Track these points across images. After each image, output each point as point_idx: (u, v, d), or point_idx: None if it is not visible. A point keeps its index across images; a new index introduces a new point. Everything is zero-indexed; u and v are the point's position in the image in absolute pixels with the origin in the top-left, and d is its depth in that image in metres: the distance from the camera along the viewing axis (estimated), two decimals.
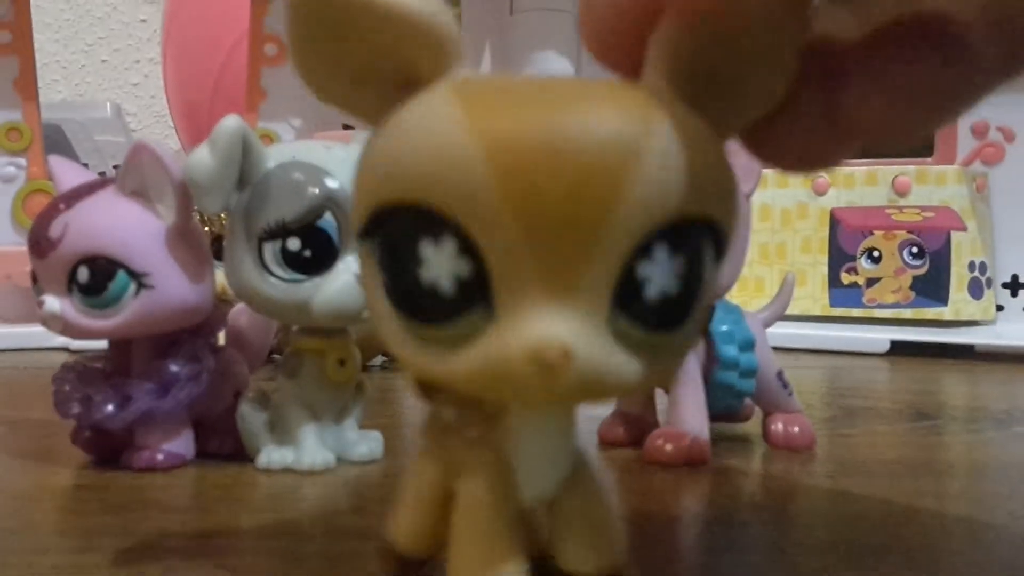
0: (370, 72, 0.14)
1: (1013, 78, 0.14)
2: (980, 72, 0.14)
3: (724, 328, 0.32)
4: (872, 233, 0.69)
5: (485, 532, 0.16)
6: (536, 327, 0.13)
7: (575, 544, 0.17)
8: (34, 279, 0.29)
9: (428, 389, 0.18)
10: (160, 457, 0.29)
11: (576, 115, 0.12)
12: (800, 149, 0.15)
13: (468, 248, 0.13)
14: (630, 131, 0.12)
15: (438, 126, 0.13)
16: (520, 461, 0.16)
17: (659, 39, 0.14)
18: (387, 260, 0.14)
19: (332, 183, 0.27)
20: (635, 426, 0.33)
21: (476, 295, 0.13)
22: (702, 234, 0.13)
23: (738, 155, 0.15)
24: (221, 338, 0.32)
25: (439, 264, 0.13)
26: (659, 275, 0.13)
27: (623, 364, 0.13)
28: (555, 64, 0.68)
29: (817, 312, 0.70)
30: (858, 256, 0.70)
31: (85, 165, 0.39)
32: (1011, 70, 0.14)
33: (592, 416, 0.35)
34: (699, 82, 0.14)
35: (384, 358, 0.57)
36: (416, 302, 0.14)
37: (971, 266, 0.67)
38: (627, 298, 0.13)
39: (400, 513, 0.19)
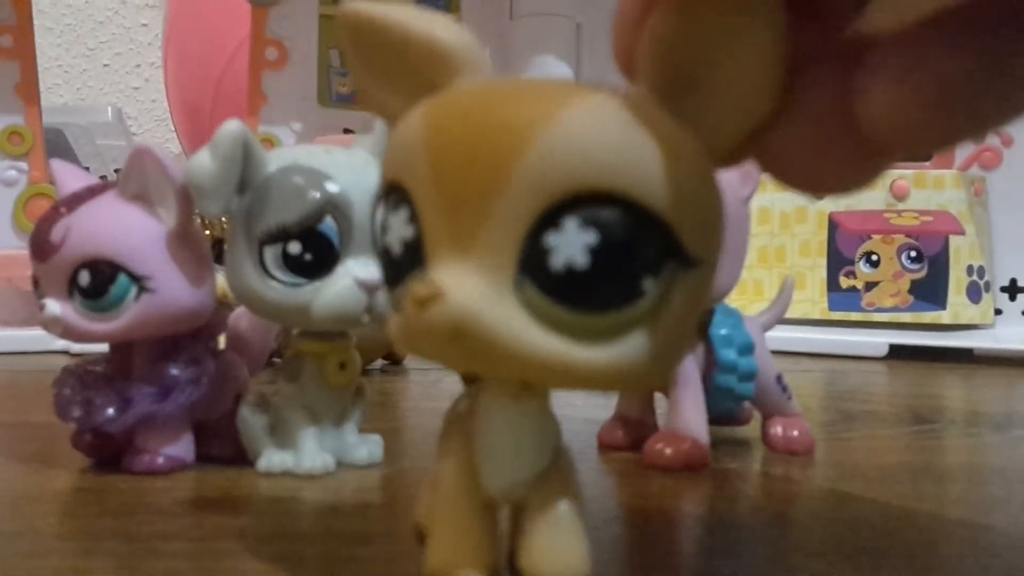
0: (408, 86, 0.16)
1: None
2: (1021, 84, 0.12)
3: (723, 332, 0.32)
4: (870, 237, 0.69)
5: (451, 519, 0.17)
6: (427, 276, 0.14)
7: (532, 546, 0.16)
8: (35, 283, 0.29)
9: (467, 378, 0.18)
10: (160, 461, 0.29)
11: (493, 100, 0.14)
12: (816, 165, 0.14)
13: (413, 215, 0.15)
14: (532, 109, 0.14)
15: (408, 123, 0.15)
16: (482, 452, 0.16)
17: (641, 46, 0.14)
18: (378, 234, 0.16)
19: (333, 187, 0.27)
20: (634, 429, 0.33)
21: (415, 256, 0.15)
22: (626, 215, 0.13)
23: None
24: (221, 341, 0.32)
25: (394, 229, 0.15)
26: (565, 245, 0.13)
27: (518, 325, 0.14)
28: (554, 68, 0.68)
29: (816, 316, 0.70)
30: (856, 260, 0.70)
31: (86, 169, 0.39)
32: None
33: (592, 420, 0.35)
34: (680, 84, 0.14)
35: (384, 362, 0.57)
36: (383, 267, 0.16)
37: (969, 270, 0.67)
38: (534, 266, 0.14)
39: (422, 494, 0.19)
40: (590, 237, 0.13)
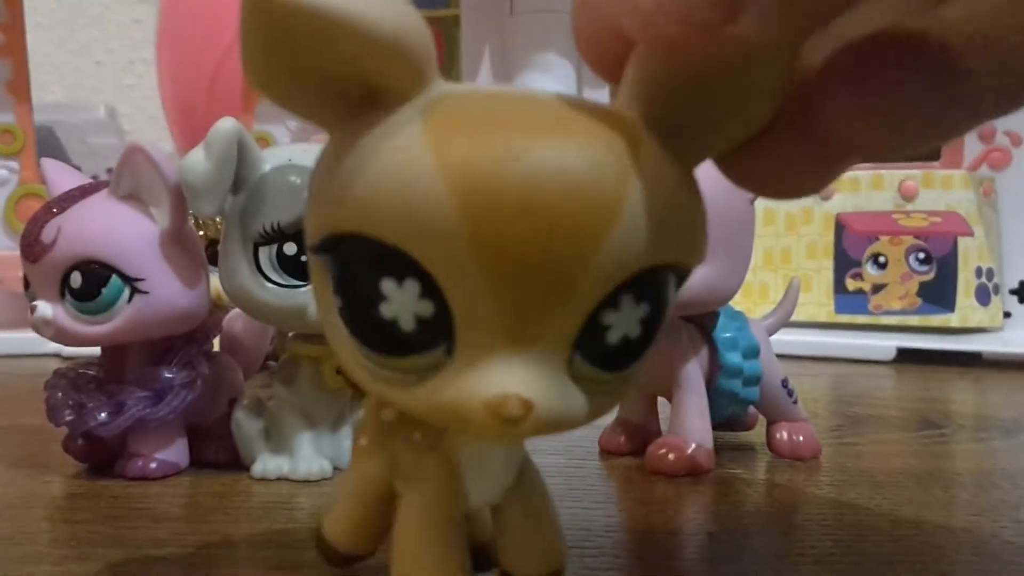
0: (330, 84, 0.13)
1: (1006, 114, 0.13)
2: (971, 101, 0.13)
3: (728, 335, 0.31)
4: (878, 238, 0.69)
5: (430, 540, 0.16)
6: (496, 378, 0.13)
7: (517, 548, 0.17)
8: (26, 284, 0.28)
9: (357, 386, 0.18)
10: (154, 465, 0.29)
11: (553, 160, 0.12)
12: (779, 173, 0.14)
13: (431, 290, 0.12)
14: (607, 182, 0.12)
15: (406, 161, 0.12)
16: (470, 469, 0.16)
17: (634, 62, 0.14)
18: (344, 288, 0.13)
19: None
20: (636, 435, 0.33)
21: (437, 334, 0.13)
22: (668, 279, 0.14)
23: None
24: (216, 344, 0.32)
25: (401, 303, 0.13)
26: (623, 322, 0.13)
27: (579, 404, 0.14)
28: (555, 66, 0.68)
29: (822, 319, 0.70)
30: (864, 262, 0.69)
31: (78, 168, 0.39)
32: (1006, 107, 0.13)
33: (592, 424, 0.34)
34: (672, 111, 0.13)
35: None
36: (375, 334, 0.13)
37: (978, 272, 0.67)
38: (589, 344, 0.13)
39: (338, 510, 0.19)
40: (643, 310, 0.13)
